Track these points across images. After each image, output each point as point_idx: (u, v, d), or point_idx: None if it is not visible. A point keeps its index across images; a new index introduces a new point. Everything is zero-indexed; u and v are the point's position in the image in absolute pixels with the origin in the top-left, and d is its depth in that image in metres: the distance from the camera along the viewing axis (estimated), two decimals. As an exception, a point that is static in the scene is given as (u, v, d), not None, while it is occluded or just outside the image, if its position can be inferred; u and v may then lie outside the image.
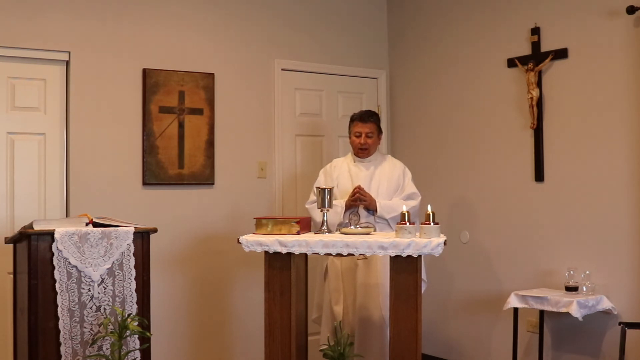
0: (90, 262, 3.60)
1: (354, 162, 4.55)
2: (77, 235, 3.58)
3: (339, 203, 4.35)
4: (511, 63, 4.94)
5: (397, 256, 3.56)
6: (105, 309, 3.62)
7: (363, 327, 4.31)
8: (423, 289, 4.32)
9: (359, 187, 4.33)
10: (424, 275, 4.36)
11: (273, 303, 3.73)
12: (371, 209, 4.34)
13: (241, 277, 5.15)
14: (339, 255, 3.71)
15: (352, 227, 4.00)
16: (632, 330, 4.07)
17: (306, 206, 4.54)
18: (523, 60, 4.82)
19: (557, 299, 4.23)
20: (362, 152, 4.50)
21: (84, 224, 3.68)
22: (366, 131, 4.47)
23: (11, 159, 4.46)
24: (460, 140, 5.34)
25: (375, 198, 4.35)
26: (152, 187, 4.84)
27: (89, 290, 3.60)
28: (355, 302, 4.35)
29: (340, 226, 4.21)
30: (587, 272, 4.41)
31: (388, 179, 4.46)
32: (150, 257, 3.81)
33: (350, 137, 4.57)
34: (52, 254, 3.53)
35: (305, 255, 4.00)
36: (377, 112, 4.79)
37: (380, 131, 4.57)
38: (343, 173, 4.52)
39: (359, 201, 4.32)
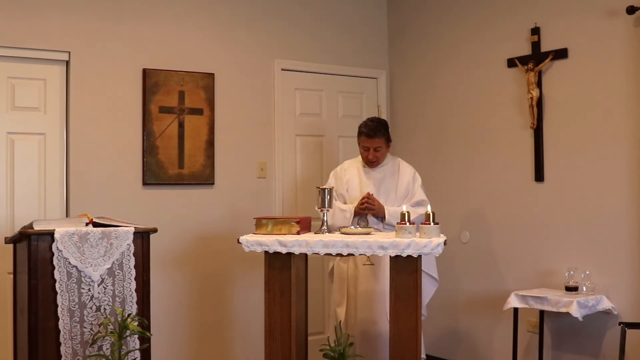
0: (90, 262, 3.60)
1: (364, 166, 4.49)
2: (77, 235, 3.58)
3: (348, 208, 4.32)
4: (511, 63, 4.94)
5: (397, 256, 3.55)
6: (105, 309, 3.62)
7: (365, 331, 4.29)
8: (435, 289, 4.35)
9: (368, 195, 4.29)
10: (435, 275, 4.36)
11: (273, 303, 3.73)
12: (380, 216, 4.30)
13: (241, 277, 5.15)
14: (339, 255, 3.70)
15: (352, 227, 3.99)
16: (632, 330, 4.07)
17: (316, 208, 4.49)
18: (523, 60, 4.82)
19: (557, 299, 4.23)
20: (370, 164, 4.43)
21: (84, 224, 3.68)
22: (374, 146, 4.35)
23: (11, 159, 4.46)
24: (460, 140, 5.34)
25: (384, 204, 4.31)
26: (152, 187, 4.84)
27: (89, 290, 3.60)
28: (357, 305, 4.33)
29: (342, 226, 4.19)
30: (587, 272, 4.41)
31: (397, 185, 4.42)
32: (150, 257, 3.81)
33: (359, 146, 4.46)
34: (52, 254, 3.53)
35: (306, 255, 4.00)
36: (384, 119, 4.59)
37: (389, 140, 4.44)
38: (353, 177, 4.46)
39: (368, 210, 4.28)
